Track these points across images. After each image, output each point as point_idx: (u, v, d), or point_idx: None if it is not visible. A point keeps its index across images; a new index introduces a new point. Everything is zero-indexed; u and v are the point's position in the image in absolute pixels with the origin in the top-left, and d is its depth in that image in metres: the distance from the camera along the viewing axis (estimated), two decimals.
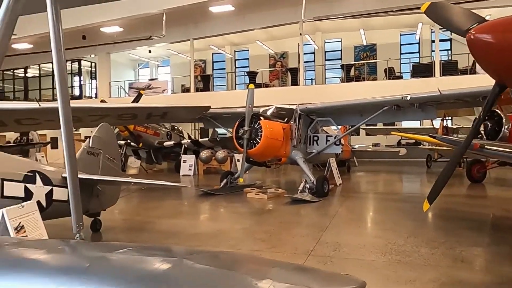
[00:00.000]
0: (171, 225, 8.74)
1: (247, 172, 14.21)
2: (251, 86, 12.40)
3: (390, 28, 27.29)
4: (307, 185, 11.74)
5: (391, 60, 25.36)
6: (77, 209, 2.27)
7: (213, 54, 32.88)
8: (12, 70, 31.87)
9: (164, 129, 21.13)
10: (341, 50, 30.03)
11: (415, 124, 24.24)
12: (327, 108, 13.59)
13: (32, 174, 6.07)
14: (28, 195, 5.87)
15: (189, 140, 21.19)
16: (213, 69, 33.11)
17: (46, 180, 6.29)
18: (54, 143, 26.58)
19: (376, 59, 28.46)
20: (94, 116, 12.87)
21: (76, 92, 30.73)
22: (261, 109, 13.35)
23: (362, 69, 27.91)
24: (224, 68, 32.29)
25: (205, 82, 28.96)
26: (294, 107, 13.16)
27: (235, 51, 32.42)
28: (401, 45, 28.79)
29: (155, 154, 20.75)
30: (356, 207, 10.85)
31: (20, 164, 6.19)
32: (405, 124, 23.89)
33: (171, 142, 20.63)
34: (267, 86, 28.11)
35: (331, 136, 13.46)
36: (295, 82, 25.74)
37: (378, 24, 26.55)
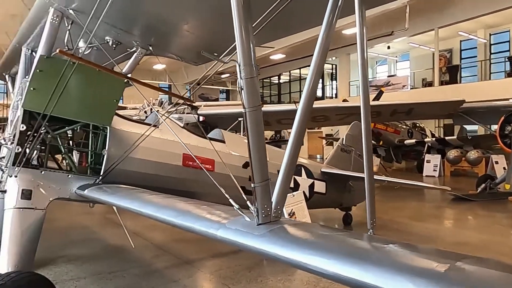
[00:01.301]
0: (423, 229, 8.22)
1: None
2: None
3: None
4: None
5: None
6: (371, 207, 2.33)
7: (461, 41, 29.09)
8: (269, 78, 37.73)
9: (404, 127, 20.24)
10: None
11: None
12: None
13: (299, 167, 6.88)
14: (296, 186, 6.68)
15: (433, 138, 19.52)
16: (460, 58, 29.29)
17: (309, 174, 7.01)
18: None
19: None
20: (340, 115, 13.61)
21: (318, 93, 33.48)
22: None
23: None
24: (475, 56, 28.03)
25: (451, 74, 25.99)
26: None
27: (490, 35, 27.65)
28: None
29: (395, 152, 20.15)
30: None
31: None
32: None
33: (413, 140, 19.55)
34: None
35: None
36: None
37: None
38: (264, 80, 38.50)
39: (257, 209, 1.97)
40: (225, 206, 2.49)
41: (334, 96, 32.01)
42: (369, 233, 2.39)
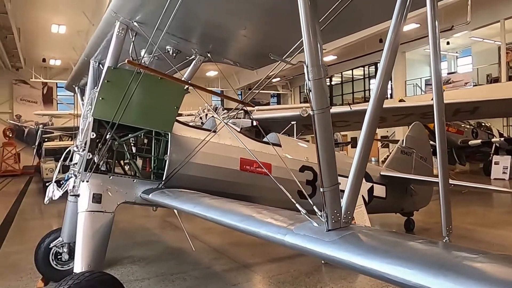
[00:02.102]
0: (494, 236, 7.62)
1: None
2: None
3: None
4: None
5: None
6: (447, 212, 2.17)
7: None
8: None
9: (468, 126, 19.00)
10: None
11: None
12: None
13: None
14: None
15: (502, 138, 18.10)
16: None
17: (367, 177, 6.75)
18: (355, 143, 29.02)
19: None
20: (397, 116, 13.06)
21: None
22: None
23: None
24: None
25: None
26: None
27: None
28: None
29: (458, 154, 18.96)
30: None
31: (348, 162, 6.90)
32: None
33: (478, 141, 18.29)
34: None
35: None
36: None
37: None
38: None
39: (327, 214, 1.91)
40: (288, 211, 2.45)
41: (389, 96, 30.83)
42: (444, 240, 2.23)
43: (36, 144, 21.36)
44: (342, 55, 27.48)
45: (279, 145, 5.65)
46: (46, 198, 4.58)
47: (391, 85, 30.03)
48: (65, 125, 23.50)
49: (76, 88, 6.93)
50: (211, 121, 5.53)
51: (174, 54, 4.28)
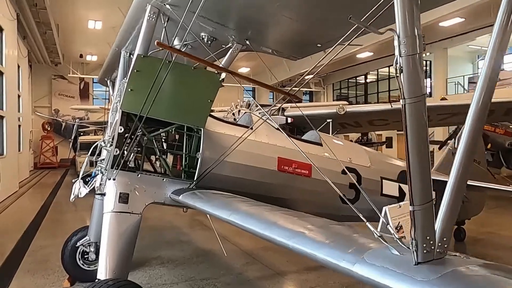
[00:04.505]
0: None
1: None
2: None
3: None
4: None
5: None
6: None
7: None
8: (354, 78, 36.02)
9: None
10: None
11: None
12: None
13: (404, 174, 6.06)
14: (401, 195, 5.86)
15: None
16: None
17: None
18: (390, 142, 27.87)
19: None
20: (443, 115, 12.17)
21: None
22: None
23: None
24: None
25: None
26: None
27: None
28: None
29: (505, 157, 17.64)
30: None
31: (394, 164, 6.28)
32: None
33: None
34: None
35: None
36: None
37: None
38: (349, 80, 36.95)
39: (416, 241, 1.43)
40: (347, 228, 1.99)
41: (428, 94, 29.42)
42: None
43: (72, 138, 21.80)
44: (379, 52, 26.37)
45: (320, 144, 5.15)
46: (72, 196, 4.31)
47: (431, 83, 28.66)
48: (100, 119, 23.87)
49: (108, 82, 6.72)
50: (247, 117, 5.10)
51: (209, 42, 3.88)
